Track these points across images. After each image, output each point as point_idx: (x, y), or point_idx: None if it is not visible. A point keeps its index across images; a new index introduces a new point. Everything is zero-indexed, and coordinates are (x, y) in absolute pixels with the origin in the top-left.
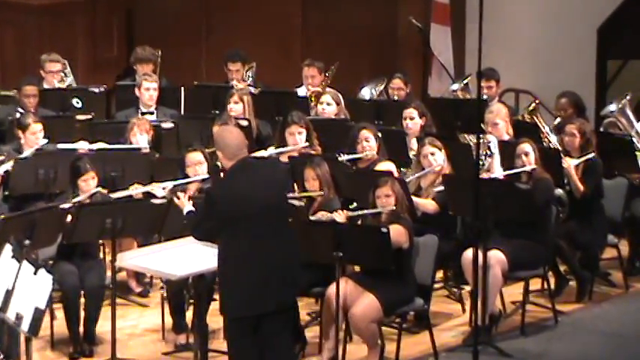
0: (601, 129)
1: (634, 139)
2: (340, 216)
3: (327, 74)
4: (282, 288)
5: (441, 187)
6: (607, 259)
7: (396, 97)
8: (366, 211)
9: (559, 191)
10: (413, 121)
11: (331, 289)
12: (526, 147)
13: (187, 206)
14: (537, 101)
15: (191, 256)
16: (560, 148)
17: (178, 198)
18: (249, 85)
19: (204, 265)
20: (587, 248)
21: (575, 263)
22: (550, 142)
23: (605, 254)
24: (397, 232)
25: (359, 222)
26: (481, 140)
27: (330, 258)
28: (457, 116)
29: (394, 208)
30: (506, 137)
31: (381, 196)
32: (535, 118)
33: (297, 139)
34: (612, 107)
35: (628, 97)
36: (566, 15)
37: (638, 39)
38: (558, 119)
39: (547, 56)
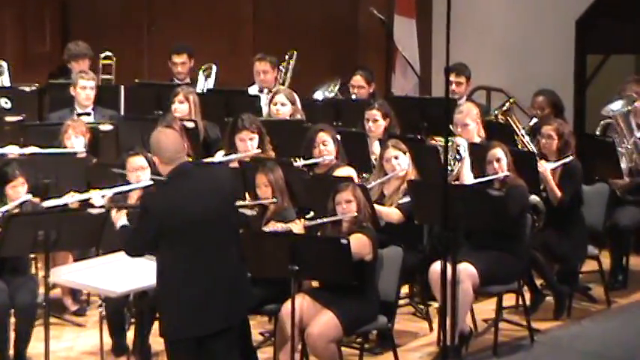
0: (597, 131)
1: (621, 148)
2: (297, 226)
3: (281, 68)
4: (229, 306)
5: (406, 195)
6: (587, 272)
7: (355, 96)
8: (324, 219)
9: (534, 198)
10: (376, 122)
11: (286, 307)
12: (498, 152)
13: (121, 220)
14: (511, 100)
15: (132, 271)
16: (535, 151)
17: (117, 210)
18: (208, 90)
19: (146, 281)
20: (566, 260)
21: (552, 277)
22: (525, 144)
23: (585, 267)
24: (359, 243)
25: (318, 233)
26: (450, 143)
27: (285, 272)
28: (423, 116)
29: (356, 215)
30: (477, 139)
31: (341, 202)
32: (509, 118)
33: (249, 145)
34: (616, 106)
35: (637, 104)
36: (542, 6)
37: (621, 31)
38: (534, 120)
39: (522, 51)
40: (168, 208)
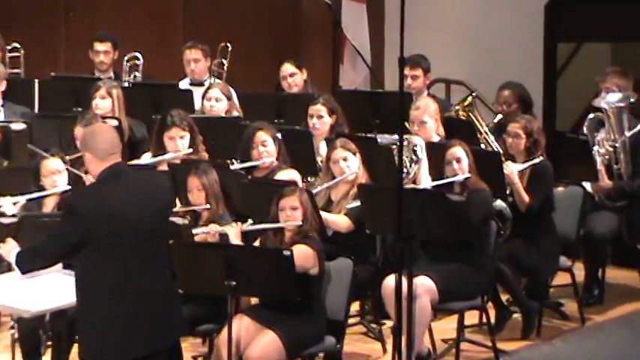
0: (584, 128)
1: (598, 148)
2: (234, 230)
3: (221, 57)
4: (158, 328)
5: (356, 200)
6: (559, 285)
7: (288, 87)
8: (265, 225)
9: (500, 204)
10: (321, 119)
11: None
12: (457, 151)
13: (12, 252)
14: (473, 94)
15: (49, 288)
16: (501, 151)
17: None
18: (134, 84)
19: (64, 299)
20: (535, 273)
21: (519, 291)
22: (489, 143)
23: (557, 280)
24: (303, 255)
25: (257, 242)
26: (405, 142)
27: (221, 288)
28: (375, 113)
29: (301, 224)
30: (436, 138)
31: (285, 209)
32: (471, 114)
33: (179, 144)
34: (613, 98)
35: (632, 99)
36: None
37: (595, 16)
38: (499, 116)
39: (485, 39)
40: (98, 211)
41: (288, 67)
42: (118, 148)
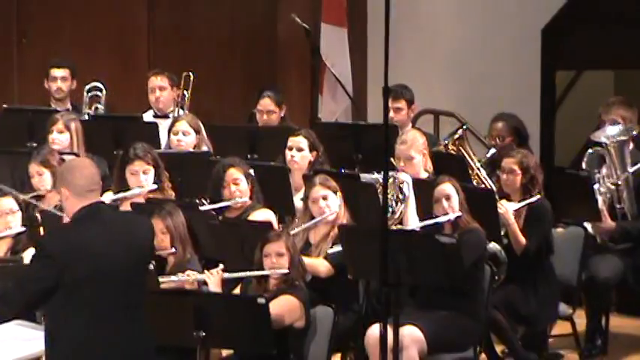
0: (583, 163)
1: (600, 185)
2: (214, 277)
3: (183, 89)
4: None
5: (337, 243)
6: (558, 335)
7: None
8: (248, 273)
9: (494, 246)
10: (301, 152)
11: None
12: (447, 188)
13: None
14: (464, 126)
15: (5, 340)
16: (495, 189)
17: None
18: (94, 116)
19: (23, 351)
20: (532, 322)
21: (516, 342)
22: (482, 180)
23: (556, 329)
24: (290, 306)
25: (237, 290)
26: (390, 179)
27: (189, 339)
28: (357, 147)
29: (288, 271)
30: (424, 175)
31: (270, 255)
32: (461, 148)
33: (142, 179)
34: (613, 131)
35: (635, 132)
36: (502, 11)
37: (597, 41)
38: (492, 150)
39: (476, 67)
40: (73, 254)
41: (267, 103)
42: (97, 185)
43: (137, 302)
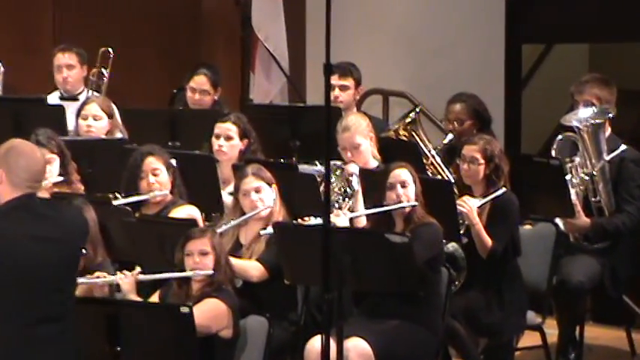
0: (553, 151)
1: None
2: (126, 280)
3: (100, 67)
4: None
5: (269, 231)
6: (526, 348)
7: (197, 105)
8: (166, 275)
9: (452, 246)
10: (230, 141)
11: None
12: (403, 173)
13: None
14: (417, 109)
15: None
16: (453, 181)
17: None
18: None
19: None
20: (496, 332)
21: (477, 356)
22: (438, 170)
23: (523, 341)
24: (215, 312)
25: (156, 296)
26: (337, 171)
27: (102, 355)
28: (295, 133)
29: (212, 273)
30: (373, 164)
31: (193, 254)
32: (414, 134)
33: (46, 170)
34: (585, 114)
35: (610, 114)
36: None
37: (569, 11)
38: (450, 136)
39: (431, 41)
40: None
41: (202, 81)
42: (39, 185)
43: (63, 313)
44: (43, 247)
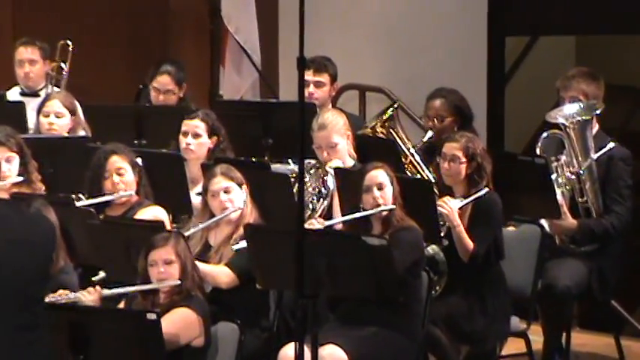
0: (538, 149)
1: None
2: (90, 296)
3: (60, 61)
4: None
5: (243, 245)
6: (510, 355)
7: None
8: (132, 288)
9: (433, 249)
10: (198, 139)
11: None
12: (380, 175)
13: None
14: (396, 105)
15: None
16: (433, 180)
17: None
18: None
19: None
20: (479, 340)
21: None
22: (417, 169)
23: (507, 348)
24: (185, 321)
25: (121, 304)
26: (310, 169)
27: None
28: (267, 130)
29: (179, 282)
30: (350, 162)
31: (157, 264)
32: (392, 131)
33: (4, 168)
34: (571, 110)
35: (598, 110)
36: None
37: (553, 2)
38: (430, 133)
39: (410, 34)
40: None
41: (166, 81)
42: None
43: (33, 324)
44: (15, 251)
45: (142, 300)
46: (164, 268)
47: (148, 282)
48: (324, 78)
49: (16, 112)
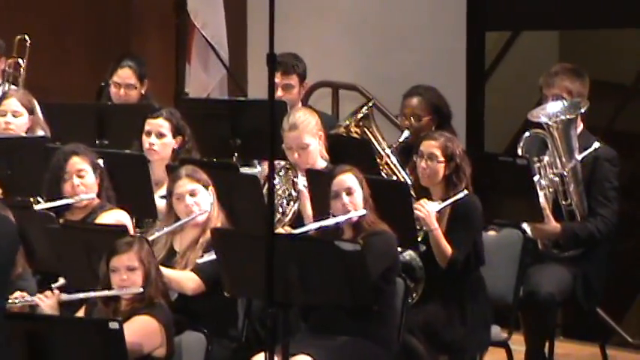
0: (519, 149)
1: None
2: (48, 299)
3: (17, 57)
4: None
5: (209, 251)
6: None
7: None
8: (92, 294)
9: (409, 254)
10: (162, 139)
11: None
12: (348, 179)
13: None
14: (370, 103)
15: None
16: (410, 182)
17: None
18: None
19: None
20: (458, 349)
21: None
22: (393, 170)
23: (488, 358)
24: (146, 330)
25: (82, 313)
26: (280, 172)
27: None
28: (235, 130)
29: (142, 289)
30: (321, 164)
31: (119, 270)
32: (367, 131)
33: None
34: (554, 108)
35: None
36: None
37: None
38: (406, 133)
39: (385, 29)
40: None
41: (127, 75)
42: None
43: None
44: None
45: (103, 307)
46: (126, 275)
47: (110, 288)
48: (293, 80)
49: None
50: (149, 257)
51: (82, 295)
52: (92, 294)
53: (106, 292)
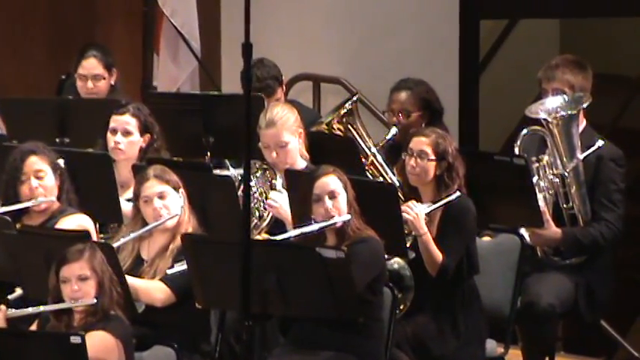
0: (516, 148)
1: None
2: None
3: None
4: None
5: (180, 259)
6: None
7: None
8: (43, 308)
9: (397, 263)
10: (128, 137)
11: None
12: (331, 182)
13: None
14: (355, 98)
15: None
16: (397, 184)
17: None
18: None
19: None
20: None
21: None
22: (380, 171)
23: None
24: (101, 346)
25: (34, 326)
26: (257, 172)
27: None
28: (208, 127)
29: (95, 301)
30: (301, 164)
31: (70, 280)
32: (352, 128)
33: None
34: (554, 103)
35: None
36: None
37: None
38: (394, 130)
39: (372, 18)
40: None
41: (92, 65)
42: None
43: None
44: None
45: (55, 321)
46: (78, 286)
47: (60, 301)
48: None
49: None
50: (102, 265)
51: (30, 310)
52: (40, 308)
53: (56, 306)
